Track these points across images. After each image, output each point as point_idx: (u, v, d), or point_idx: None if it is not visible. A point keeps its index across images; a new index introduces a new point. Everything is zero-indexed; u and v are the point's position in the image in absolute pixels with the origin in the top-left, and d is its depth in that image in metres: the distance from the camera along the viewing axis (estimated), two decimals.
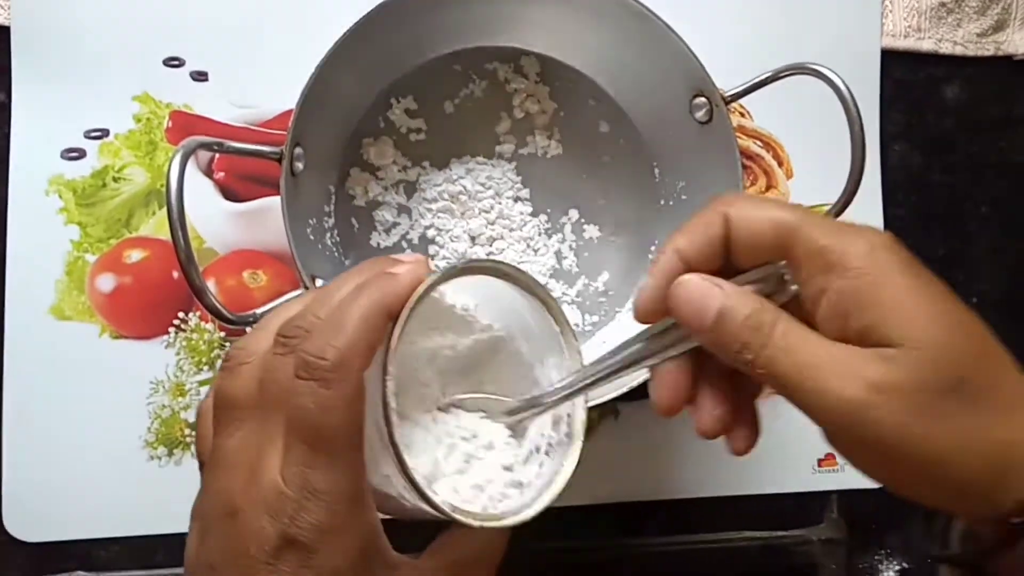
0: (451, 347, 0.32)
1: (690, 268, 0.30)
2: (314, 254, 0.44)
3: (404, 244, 0.50)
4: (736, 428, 0.31)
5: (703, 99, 0.45)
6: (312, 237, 0.45)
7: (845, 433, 0.28)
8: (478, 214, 0.50)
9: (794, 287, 0.29)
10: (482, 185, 0.50)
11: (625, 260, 0.51)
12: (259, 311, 0.39)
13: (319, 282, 0.42)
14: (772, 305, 0.28)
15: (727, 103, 0.44)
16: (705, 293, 0.28)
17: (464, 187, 0.50)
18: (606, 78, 0.50)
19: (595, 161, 0.51)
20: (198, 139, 0.37)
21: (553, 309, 0.31)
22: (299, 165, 0.42)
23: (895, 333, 0.26)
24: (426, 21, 0.46)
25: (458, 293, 0.32)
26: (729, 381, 0.31)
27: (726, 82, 0.45)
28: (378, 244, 0.49)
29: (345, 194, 0.49)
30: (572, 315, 0.50)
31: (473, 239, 0.50)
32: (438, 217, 0.50)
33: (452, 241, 0.50)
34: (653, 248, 0.51)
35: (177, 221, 0.35)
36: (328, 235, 0.47)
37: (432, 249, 0.50)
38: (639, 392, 0.42)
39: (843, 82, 0.42)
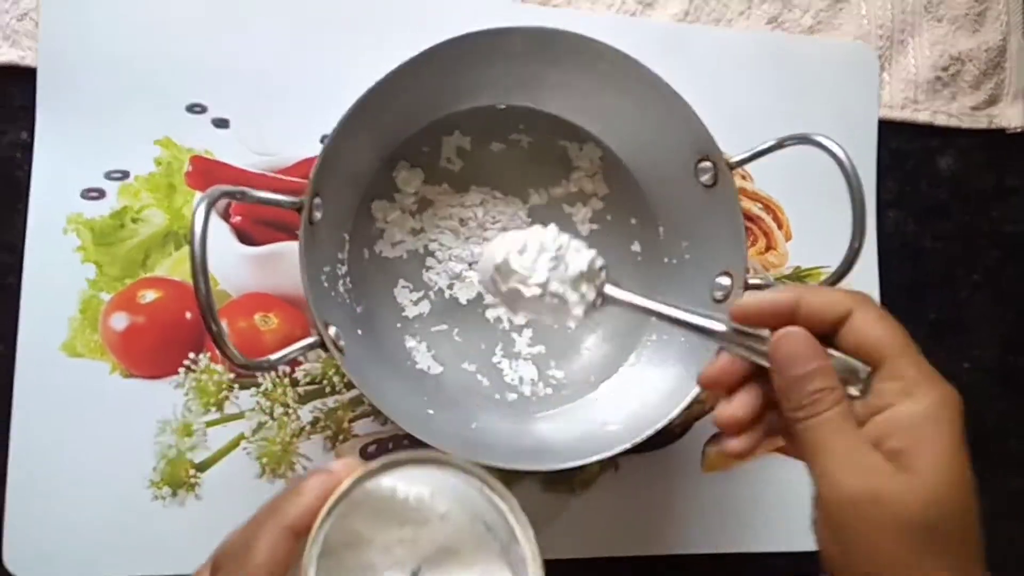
0: (411, 540, 0.31)
1: (797, 320, 0.35)
2: (327, 301, 0.45)
3: (404, 254, 0.51)
4: (746, 436, 0.36)
5: (708, 163, 0.47)
6: (326, 284, 0.45)
7: (833, 515, 0.32)
8: (481, 242, 0.52)
9: (863, 395, 0.34)
10: (492, 217, 0.52)
11: (626, 317, 0.52)
12: (273, 357, 0.39)
13: (332, 329, 0.42)
14: (843, 390, 0.33)
15: (732, 168, 0.46)
16: (808, 353, 0.34)
17: (475, 214, 0.52)
18: (613, 138, 0.52)
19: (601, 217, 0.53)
20: (222, 188, 0.37)
21: (508, 503, 0.31)
22: (317, 215, 0.43)
23: (916, 464, 0.31)
24: (449, 81, 0.47)
25: (412, 484, 0.31)
26: (768, 403, 0.35)
27: (728, 146, 0.46)
28: (380, 251, 0.51)
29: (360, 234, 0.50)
30: (572, 361, 0.52)
31: (470, 264, 0.52)
32: (443, 234, 0.51)
33: (450, 260, 0.52)
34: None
35: (200, 268, 0.35)
36: (341, 282, 0.48)
37: (429, 262, 0.51)
38: (641, 446, 0.43)
39: (845, 154, 0.43)
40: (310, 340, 0.41)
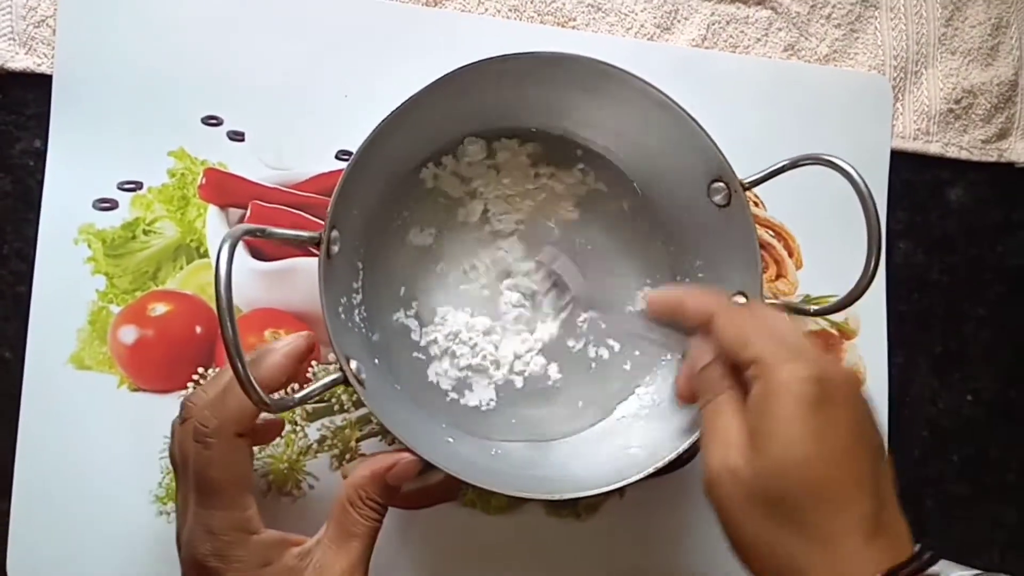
0: None
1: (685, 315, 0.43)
2: (344, 332, 0.44)
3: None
4: None
5: (721, 183, 0.47)
6: (343, 316, 0.45)
7: (708, 492, 0.37)
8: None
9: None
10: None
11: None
12: (297, 395, 0.39)
13: (353, 364, 0.42)
14: (728, 380, 0.39)
15: (745, 189, 0.46)
16: (704, 350, 0.40)
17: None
18: (625, 158, 0.52)
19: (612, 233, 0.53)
20: (244, 227, 0.37)
21: None
22: (335, 248, 0.42)
23: (761, 441, 0.35)
24: (461, 106, 0.46)
25: None
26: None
27: (742, 172, 0.46)
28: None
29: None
30: (587, 382, 0.52)
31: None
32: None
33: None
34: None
35: (227, 311, 0.34)
36: (356, 311, 0.47)
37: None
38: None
39: (859, 174, 0.43)
40: (333, 377, 0.40)
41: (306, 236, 0.40)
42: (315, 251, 0.41)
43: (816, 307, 0.47)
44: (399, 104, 0.42)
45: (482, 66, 0.43)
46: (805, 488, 0.33)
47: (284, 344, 0.42)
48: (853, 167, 0.43)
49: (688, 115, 0.45)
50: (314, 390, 0.39)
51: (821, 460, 0.34)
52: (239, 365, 0.34)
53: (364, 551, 0.40)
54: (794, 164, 0.45)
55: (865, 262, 0.44)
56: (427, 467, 0.41)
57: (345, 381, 0.40)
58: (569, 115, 0.50)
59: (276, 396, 0.37)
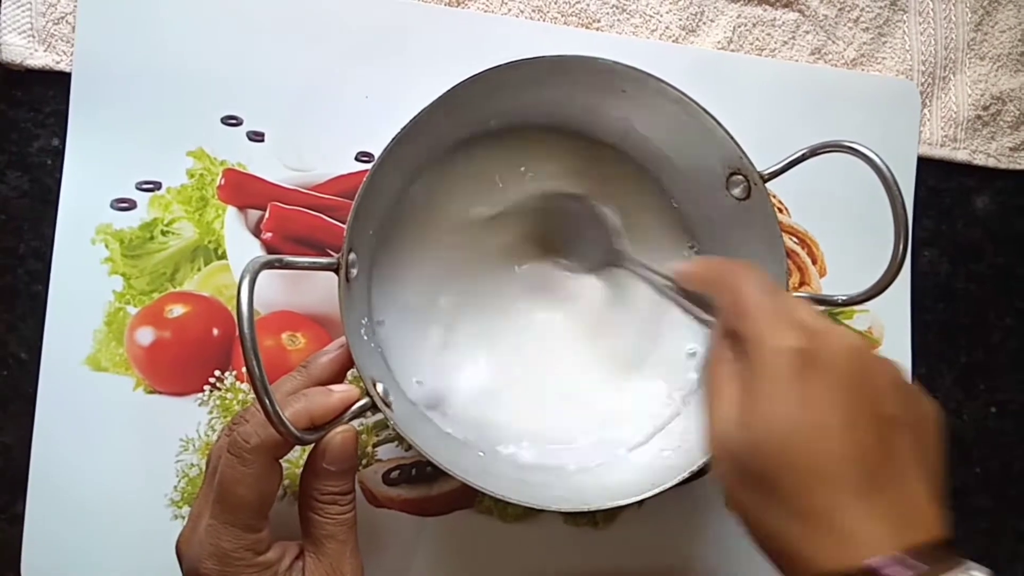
0: None
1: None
2: (367, 353, 0.43)
3: None
4: None
5: (740, 176, 0.46)
6: (365, 337, 0.44)
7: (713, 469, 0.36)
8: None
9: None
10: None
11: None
12: (326, 428, 0.39)
13: (379, 387, 0.41)
14: (729, 352, 0.37)
15: (765, 180, 0.45)
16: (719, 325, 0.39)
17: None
18: (644, 157, 0.51)
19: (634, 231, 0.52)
20: (262, 258, 0.36)
21: None
22: (353, 271, 0.42)
23: (745, 416, 0.34)
24: (481, 106, 0.46)
25: None
26: None
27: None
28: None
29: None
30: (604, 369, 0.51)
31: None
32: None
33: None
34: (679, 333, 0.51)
35: (251, 348, 0.33)
36: (377, 331, 0.47)
37: None
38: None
39: (881, 160, 0.42)
40: (362, 403, 0.40)
41: (323, 263, 0.40)
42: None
43: (845, 297, 0.46)
44: (405, 124, 0.41)
45: (492, 74, 0.42)
46: (787, 462, 0.32)
47: (343, 390, 0.40)
48: (875, 153, 0.42)
49: (704, 110, 0.44)
50: (343, 419, 0.39)
51: (802, 434, 0.32)
52: (267, 404, 0.34)
53: (342, 548, 0.40)
54: (814, 152, 0.45)
55: (893, 248, 0.43)
56: (443, 473, 0.40)
57: (374, 406, 0.40)
58: (586, 116, 0.49)
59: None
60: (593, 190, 0.51)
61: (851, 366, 0.33)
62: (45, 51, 0.49)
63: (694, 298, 0.42)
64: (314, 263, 0.40)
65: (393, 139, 0.41)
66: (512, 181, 0.50)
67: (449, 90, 0.42)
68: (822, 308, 0.57)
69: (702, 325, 0.40)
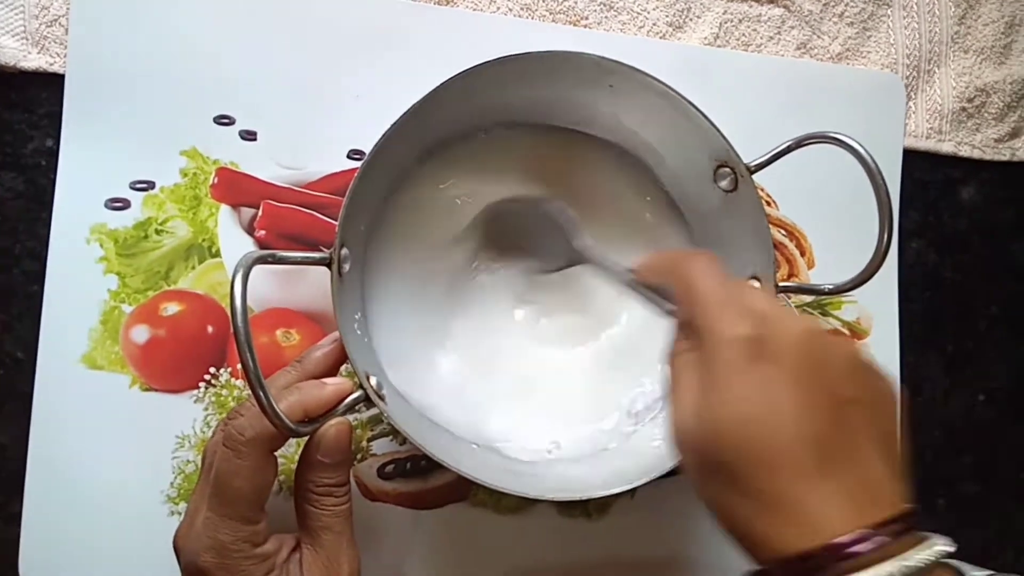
0: None
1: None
2: (360, 347, 0.44)
3: None
4: None
5: (727, 169, 0.47)
6: (359, 331, 0.45)
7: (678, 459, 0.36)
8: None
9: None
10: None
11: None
12: (320, 420, 0.40)
13: (373, 380, 0.42)
14: (685, 343, 0.37)
15: (752, 172, 0.46)
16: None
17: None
18: (633, 151, 0.51)
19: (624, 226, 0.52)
20: (255, 254, 0.36)
21: None
22: (346, 267, 0.42)
23: (707, 407, 0.33)
24: (469, 103, 0.46)
25: None
26: None
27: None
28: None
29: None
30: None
31: None
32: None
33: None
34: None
35: (245, 341, 0.34)
36: (369, 327, 0.47)
37: None
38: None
39: (864, 149, 0.43)
40: (354, 396, 0.40)
41: (316, 258, 0.40)
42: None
43: (831, 286, 0.47)
44: (397, 118, 0.42)
45: (478, 71, 0.43)
46: (744, 450, 0.32)
47: (336, 383, 0.40)
48: (859, 143, 0.43)
49: (690, 103, 0.45)
50: (337, 412, 0.40)
51: (757, 421, 0.32)
52: (262, 396, 0.34)
53: (338, 539, 0.40)
54: (799, 144, 0.45)
55: (878, 236, 0.44)
56: (438, 466, 0.41)
57: (367, 399, 0.40)
58: (575, 111, 0.49)
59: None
60: (562, 188, 0.52)
61: (803, 350, 0.33)
62: (38, 53, 0.49)
63: (657, 290, 0.42)
64: (307, 258, 0.40)
65: (384, 134, 0.42)
66: (487, 183, 0.51)
67: (438, 86, 0.42)
68: (810, 298, 0.58)
69: (666, 317, 0.40)
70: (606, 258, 0.47)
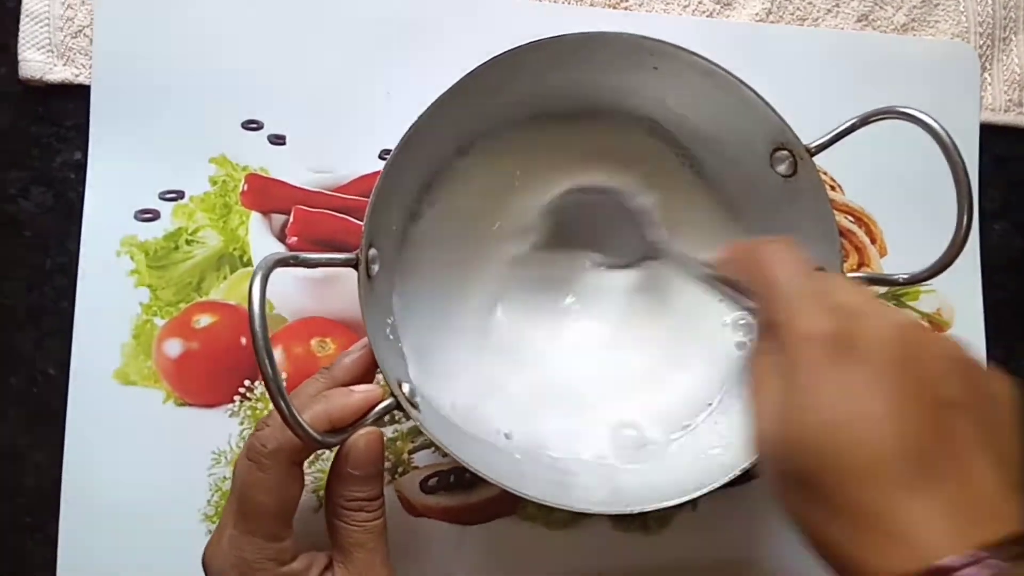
0: None
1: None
2: (394, 354, 0.42)
3: None
4: None
5: (785, 152, 0.43)
6: (391, 337, 0.42)
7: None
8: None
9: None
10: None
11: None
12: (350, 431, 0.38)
13: (406, 387, 0.39)
14: (763, 343, 0.34)
15: (812, 154, 0.42)
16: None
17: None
18: (682, 136, 0.48)
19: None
20: (276, 255, 0.35)
21: None
22: (375, 268, 0.40)
23: (789, 413, 0.30)
24: (497, 99, 0.44)
25: None
26: None
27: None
28: None
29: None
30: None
31: None
32: None
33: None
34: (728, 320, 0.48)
35: (263, 347, 0.32)
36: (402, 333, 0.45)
37: None
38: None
39: (938, 123, 0.39)
40: (385, 404, 0.38)
41: (342, 259, 0.38)
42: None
43: (906, 276, 0.43)
44: (424, 110, 0.39)
45: (513, 55, 0.40)
46: (829, 460, 0.28)
47: (364, 390, 0.38)
48: (931, 116, 0.39)
49: (742, 82, 0.42)
50: (367, 422, 0.38)
51: (842, 427, 0.28)
52: (282, 405, 0.32)
53: (371, 557, 0.38)
54: (864, 121, 0.41)
55: (956, 219, 0.40)
56: (483, 479, 0.38)
57: (399, 407, 0.38)
58: (615, 96, 0.46)
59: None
60: (625, 179, 0.48)
61: (897, 347, 0.29)
62: (64, 65, 0.48)
63: (737, 286, 0.39)
64: (332, 259, 0.38)
65: (411, 127, 0.40)
66: (537, 175, 0.48)
67: (468, 73, 0.40)
68: (884, 289, 0.53)
69: (749, 314, 0.37)
70: (682, 253, 0.44)
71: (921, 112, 0.40)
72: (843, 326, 0.30)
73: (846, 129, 0.42)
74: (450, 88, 0.40)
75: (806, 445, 0.29)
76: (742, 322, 0.47)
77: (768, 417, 0.31)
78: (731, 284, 0.39)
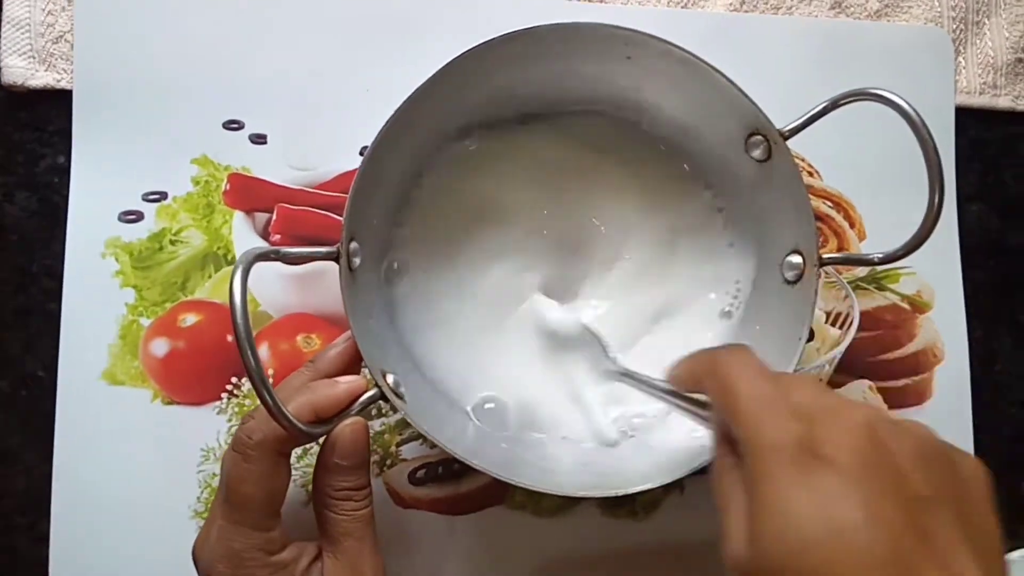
0: None
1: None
2: (378, 344, 0.42)
3: None
4: None
5: (759, 136, 0.43)
6: (373, 328, 0.43)
7: None
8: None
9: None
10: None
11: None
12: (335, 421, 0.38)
13: (390, 378, 0.40)
14: (728, 457, 0.32)
15: (785, 138, 0.42)
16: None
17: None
18: (657, 125, 0.48)
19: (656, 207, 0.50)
20: (255, 251, 0.35)
21: None
22: (356, 260, 0.40)
23: (759, 530, 0.28)
24: (471, 91, 0.44)
25: None
26: None
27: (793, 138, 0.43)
28: None
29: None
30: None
31: None
32: None
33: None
34: (713, 296, 0.49)
35: (245, 339, 0.32)
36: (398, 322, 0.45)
37: None
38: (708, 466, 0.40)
39: (908, 103, 0.40)
40: (370, 394, 0.38)
41: (323, 252, 0.38)
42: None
43: (881, 255, 0.43)
44: (400, 104, 0.40)
45: (487, 48, 0.41)
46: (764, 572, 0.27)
47: (348, 381, 0.39)
48: (901, 97, 0.40)
49: (714, 69, 0.42)
50: (351, 412, 0.38)
51: (818, 543, 0.26)
52: (266, 396, 0.33)
53: (360, 545, 0.38)
54: (835, 104, 0.42)
55: (928, 197, 0.40)
56: (472, 470, 0.38)
57: (383, 397, 0.38)
58: (593, 87, 0.47)
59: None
60: (604, 166, 0.49)
61: (864, 445, 0.28)
62: (46, 70, 0.49)
63: (695, 400, 0.37)
64: (313, 253, 0.39)
65: (386, 123, 0.40)
66: (516, 176, 0.49)
67: (443, 66, 0.41)
68: (865, 271, 0.54)
69: (708, 427, 0.36)
70: (635, 373, 0.45)
71: (889, 92, 0.40)
72: (807, 431, 0.28)
73: (818, 112, 0.42)
74: (425, 81, 0.40)
75: (782, 566, 0.27)
76: (728, 295, 0.48)
77: (737, 538, 0.29)
78: (687, 399, 0.38)
